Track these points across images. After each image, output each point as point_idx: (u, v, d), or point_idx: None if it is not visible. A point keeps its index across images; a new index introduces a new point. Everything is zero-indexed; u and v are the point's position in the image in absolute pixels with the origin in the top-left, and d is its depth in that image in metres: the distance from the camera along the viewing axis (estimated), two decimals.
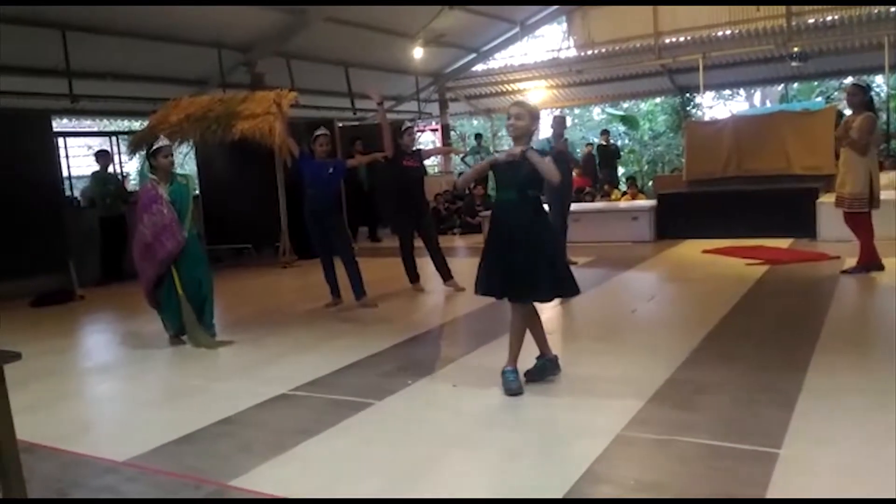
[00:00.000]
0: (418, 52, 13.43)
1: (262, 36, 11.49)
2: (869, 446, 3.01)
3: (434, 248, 7.18)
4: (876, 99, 15.70)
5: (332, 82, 13.46)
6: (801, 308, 5.72)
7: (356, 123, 13.49)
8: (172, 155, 5.63)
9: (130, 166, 13.11)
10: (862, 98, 6.45)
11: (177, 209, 5.38)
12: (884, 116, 14.32)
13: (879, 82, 15.51)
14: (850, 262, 6.77)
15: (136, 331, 6.26)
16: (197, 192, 6.01)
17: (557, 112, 13.90)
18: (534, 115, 3.98)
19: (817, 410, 3.43)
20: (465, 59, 15.70)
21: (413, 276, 7.26)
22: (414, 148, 7.37)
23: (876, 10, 12.12)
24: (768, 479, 2.76)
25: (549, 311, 4.16)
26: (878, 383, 3.76)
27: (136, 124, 12.40)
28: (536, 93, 16.25)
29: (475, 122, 20.30)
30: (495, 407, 3.79)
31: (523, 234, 3.89)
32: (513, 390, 3.90)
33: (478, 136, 16.62)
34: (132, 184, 12.64)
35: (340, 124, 7.51)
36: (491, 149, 17.53)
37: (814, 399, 3.56)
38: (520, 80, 16.01)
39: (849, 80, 16.27)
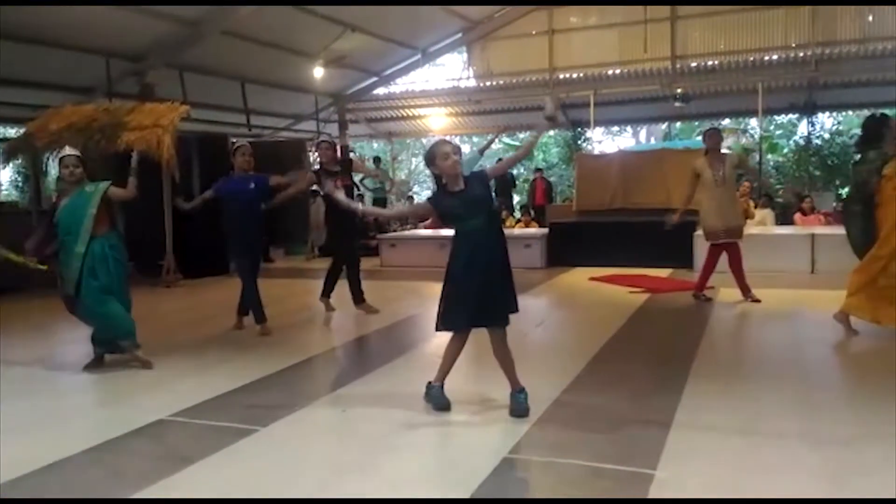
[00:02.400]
0: (319, 72, 13.34)
1: (154, 46, 11.07)
2: (737, 468, 3.19)
3: (354, 270, 7.07)
4: (750, 140, 17.03)
5: (227, 97, 13.13)
6: (678, 335, 6.04)
7: (251, 140, 13.20)
8: (77, 166, 5.08)
9: (3, 175, 12.23)
10: (721, 139, 7.13)
11: (63, 224, 5.04)
12: (756, 157, 15.48)
13: (754, 125, 16.74)
14: (727, 292, 7.20)
15: (9, 352, 5.81)
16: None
17: (454, 140, 14.15)
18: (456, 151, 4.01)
19: (691, 432, 3.61)
20: (367, 82, 15.73)
21: (328, 291, 7.11)
22: (335, 167, 7.21)
23: (752, 58, 13.11)
24: (644, 499, 2.87)
25: (441, 336, 4.17)
26: (746, 406, 4.01)
27: (13, 132, 11.61)
28: (436, 120, 16.49)
29: (375, 145, 20.32)
30: (384, 432, 3.75)
31: (497, 258, 3.93)
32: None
33: (376, 160, 16.63)
34: (3, 194, 11.79)
35: (234, 140, 7.32)
36: (390, 173, 17.67)
37: (688, 421, 3.75)
38: (420, 106, 16.20)
39: (726, 121, 17.58)
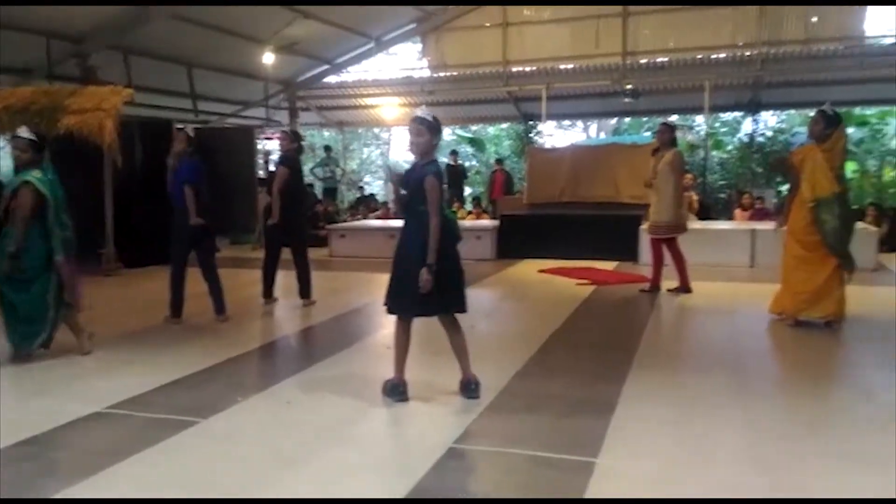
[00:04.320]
0: (269, 58, 13.10)
1: (97, 27, 10.71)
2: (676, 455, 3.26)
3: (302, 263, 6.92)
4: (696, 136, 17.39)
5: (173, 82, 12.79)
6: (622, 325, 6.15)
7: (198, 126, 12.90)
8: (24, 150, 4.82)
9: None
10: (670, 136, 7.21)
11: None
12: (702, 153, 15.83)
13: (700, 121, 17.07)
14: (670, 285, 7.35)
15: None
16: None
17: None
18: (434, 130, 3.87)
19: (632, 421, 3.67)
20: (318, 70, 15.52)
21: (268, 291, 6.92)
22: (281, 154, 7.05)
23: (699, 56, 13.37)
24: (585, 488, 2.91)
25: (389, 326, 4.16)
26: (685, 395, 4.11)
27: None
28: (389, 109, 16.38)
29: (326, 134, 20.11)
30: (329, 423, 3.72)
31: (454, 248, 3.98)
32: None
33: (327, 148, 16.45)
34: None
35: (180, 125, 7.13)
36: (340, 162, 17.50)
37: (629, 410, 3.82)
38: (373, 95, 16.06)
39: (674, 117, 17.91)
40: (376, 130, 22.80)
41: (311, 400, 4.09)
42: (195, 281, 6.17)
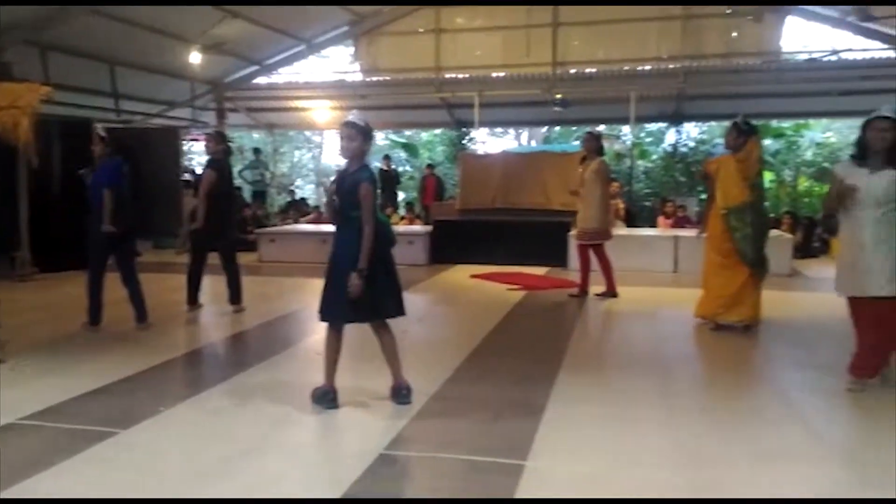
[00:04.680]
0: (196, 58, 12.76)
1: (13, 22, 10.19)
2: (603, 456, 3.33)
3: (232, 268, 6.75)
4: (623, 146, 17.87)
5: (94, 80, 12.29)
6: (552, 329, 6.25)
7: (120, 126, 12.45)
8: None
9: None
10: (596, 145, 7.36)
11: None
12: (628, 162, 16.27)
13: (626, 131, 17.54)
14: (597, 290, 7.51)
15: None
16: None
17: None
18: (365, 134, 3.84)
19: (560, 423, 3.74)
20: (248, 70, 15.20)
21: (193, 297, 6.71)
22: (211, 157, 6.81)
23: (626, 68, 13.74)
24: (514, 490, 2.94)
25: (319, 332, 4.10)
26: (612, 396, 4.21)
27: None
28: (321, 112, 16.20)
29: (255, 136, 19.73)
30: (256, 432, 3.64)
31: (389, 253, 3.96)
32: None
33: (256, 151, 16.14)
34: None
35: (100, 125, 6.85)
36: (270, 165, 17.19)
37: (558, 412, 3.88)
38: (304, 98, 15.85)
39: (602, 127, 18.35)
40: (308, 133, 22.52)
41: (237, 409, 4.00)
42: (116, 287, 5.95)
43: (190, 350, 5.56)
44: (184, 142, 12.55)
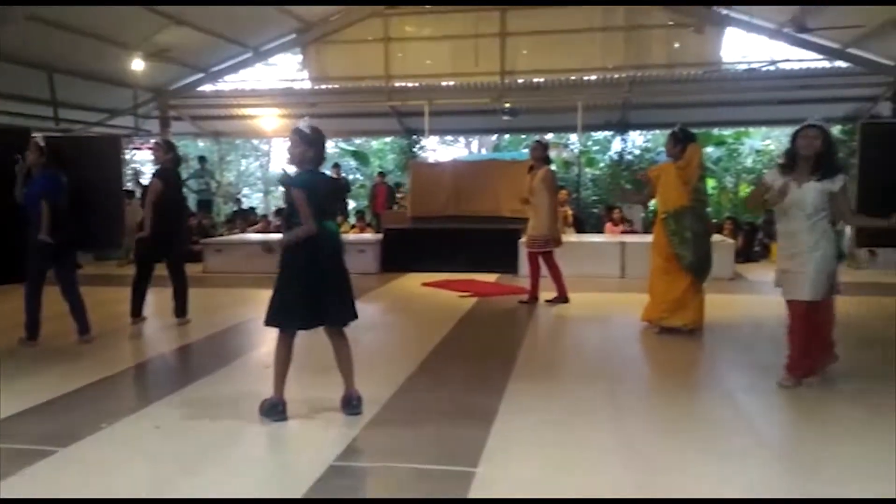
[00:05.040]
0: (138, 65, 12.46)
1: None
2: (553, 462, 3.36)
3: (179, 280, 6.60)
4: (571, 154, 18.14)
5: (31, 87, 11.89)
6: (502, 336, 6.28)
7: (59, 135, 12.07)
8: None
9: None
10: (542, 153, 7.48)
11: None
12: (576, 170, 16.52)
13: (574, 140, 17.80)
14: (548, 296, 7.58)
15: None
16: None
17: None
18: (308, 141, 3.85)
19: (511, 429, 3.75)
20: (192, 78, 14.92)
21: (138, 309, 6.53)
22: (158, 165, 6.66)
23: (572, 77, 13.95)
24: (465, 497, 2.94)
25: (267, 344, 4.04)
26: (562, 401, 4.25)
27: None
28: (269, 120, 16.01)
29: (201, 144, 19.38)
30: (202, 447, 3.56)
31: (339, 260, 3.94)
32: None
33: (202, 159, 15.85)
34: None
35: (38, 135, 6.61)
36: (216, 174, 16.89)
37: (508, 418, 3.90)
38: (251, 106, 15.63)
39: (550, 135, 18.58)
40: (255, 141, 22.22)
41: (182, 423, 3.90)
42: (56, 300, 5.75)
43: (134, 364, 5.41)
44: (126, 151, 12.21)
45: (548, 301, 7.48)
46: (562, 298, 7.49)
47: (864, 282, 8.71)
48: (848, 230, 9.87)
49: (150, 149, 7.31)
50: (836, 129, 13.90)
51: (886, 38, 10.69)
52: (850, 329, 6.13)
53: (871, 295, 7.76)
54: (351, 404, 3.95)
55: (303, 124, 3.89)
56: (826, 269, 4.32)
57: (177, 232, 6.80)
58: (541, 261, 7.49)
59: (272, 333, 3.96)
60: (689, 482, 3.11)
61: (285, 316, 3.86)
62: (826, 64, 12.72)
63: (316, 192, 3.83)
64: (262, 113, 15.77)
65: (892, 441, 3.52)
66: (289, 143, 3.93)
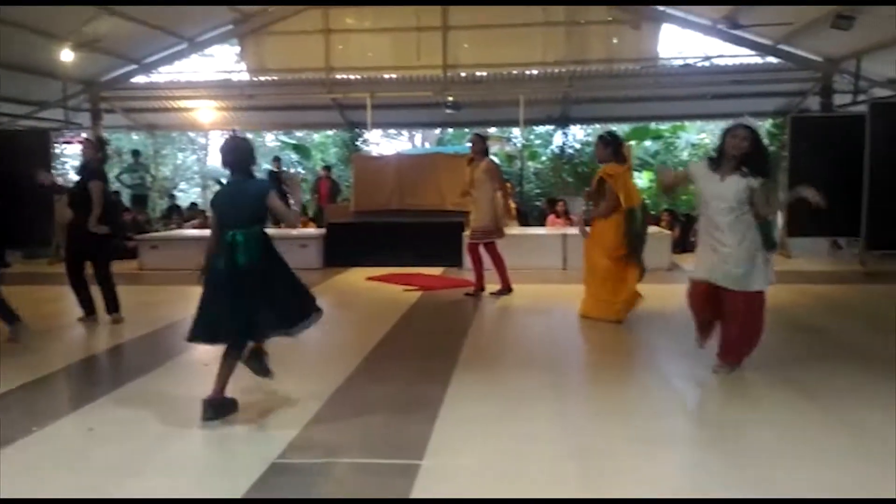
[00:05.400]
0: (68, 56, 11.97)
1: None
2: (498, 451, 3.38)
3: (102, 276, 6.37)
4: (514, 148, 18.27)
5: None
6: (447, 329, 6.28)
7: None
8: None
9: None
10: (482, 146, 7.57)
11: None
12: (519, 164, 16.65)
13: (516, 133, 17.94)
14: (491, 288, 7.62)
15: None
16: None
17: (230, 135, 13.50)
18: (222, 150, 3.95)
19: (455, 421, 3.76)
20: (125, 69, 14.42)
21: (89, 306, 6.36)
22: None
23: (514, 72, 14.04)
24: (409, 491, 2.93)
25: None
26: (507, 392, 4.28)
27: None
28: (206, 113, 15.63)
29: (135, 137, 18.80)
30: (137, 448, 3.45)
31: (256, 268, 3.77)
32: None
33: (135, 153, 15.38)
34: None
35: None
36: (151, 168, 16.41)
37: (453, 410, 3.91)
38: (187, 98, 15.22)
39: (493, 129, 18.68)
40: (192, 135, 21.66)
41: (116, 425, 3.78)
42: None
43: (65, 365, 5.18)
44: (56, 145, 11.73)
45: (492, 293, 7.53)
46: (506, 290, 7.54)
47: (793, 270, 9.04)
48: (780, 220, 10.24)
49: (80, 143, 7.03)
50: (767, 123, 14.42)
51: (815, 34, 11.09)
52: (779, 316, 6.36)
53: (798, 283, 8.05)
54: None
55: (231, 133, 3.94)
56: (762, 257, 4.45)
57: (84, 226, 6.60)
58: (483, 252, 7.53)
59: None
60: (626, 468, 3.17)
61: (203, 331, 3.78)
62: (758, 60, 13.12)
63: (216, 204, 3.89)
64: (198, 105, 15.39)
65: (819, 423, 3.67)
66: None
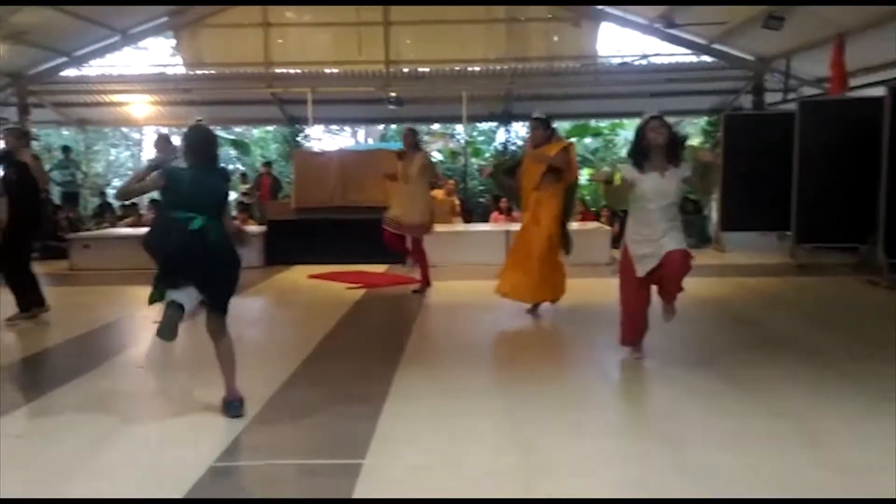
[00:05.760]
0: None
1: None
2: (441, 446, 3.38)
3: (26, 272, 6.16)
4: (457, 144, 18.31)
5: None
6: (390, 326, 6.26)
7: None
8: None
9: None
10: (414, 140, 7.63)
11: None
12: (462, 160, 16.69)
13: (460, 130, 17.98)
14: (434, 285, 7.62)
15: None
16: None
17: (164, 130, 13.12)
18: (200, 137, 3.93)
19: (398, 419, 3.74)
20: (54, 62, 13.87)
21: (33, 300, 6.14)
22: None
23: (457, 68, 14.06)
24: (352, 490, 2.90)
25: (141, 345, 3.81)
26: (449, 388, 4.28)
27: None
28: (139, 108, 15.17)
29: (65, 133, 18.10)
30: (70, 453, 3.32)
31: (208, 254, 3.73)
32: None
33: (66, 149, 14.82)
34: None
35: None
36: (82, 164, 15.84)
37: (396, 408, 3.89)
38: (120, 92, 14.72)
39: (436, 126, 18.68)
40: (126, 130, 20.98)
41: (47, 431, 3.63)
42: None
43: None
44: None
45: (414, 291, 7.54)
46: (425, 285, 7.61)
47: (728, 264, 9.33)
48: (714, 216, 10.54)
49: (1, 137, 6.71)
50: (702, 121, 14.81)
51: (747, 34, 11.44)
52: (715, 308, 6.56)
53: (734, 277, 8.31)
54: (233, 405, 3.79)
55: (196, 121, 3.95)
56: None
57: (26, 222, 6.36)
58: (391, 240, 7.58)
59: (145, 333, 3.75)
60: (564, 460, 3.21)
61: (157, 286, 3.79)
62: (693, 58, 13.47)
63: (178, 182, 3.79)
64: (131, 100, 14.93)
65: (749, 412, 3.78)
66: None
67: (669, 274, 4.55)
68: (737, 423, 3.64)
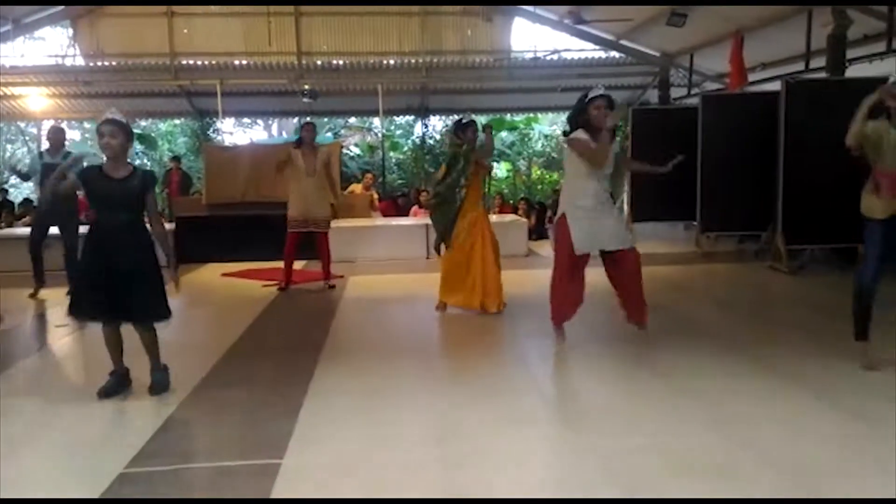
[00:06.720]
0: None
1: None
2: (362, 442, 3.34)
3: None
4: (374, 138, 18.16)
5: None
6: (309, 324, 6.14)
7: None
8: None
9: None
10: (314, 135, 7.61)
11: None
12: (380, 154, 16.58)
13: (377, 123, 17.84)
14: (357, 280, 7.52)
15: None
16: None
17: (61, 124, 12.40)
18: (128, 132, 3.89)
19: (318, 417, 3.68)
20: None
21: None
22: None
23: (372, 61, 13.93)
24: (270, 490, 2.82)
25: (34, 354, 3.59)
26: (372, 384, 4.24)
27: None
28: (36, 100, 14.34)
29: None
30: None
31: (131, 255, 3.87)
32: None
33: None
34: None
35: None
36: None
37: (316, 406, 3.82)
38: (13, 85, 13.86)
39: (352, 119, 18.47)
40: (21, 124, 19.79)
41: None
42: None
43: None
44: None
45: (331, 286, 7.53)
46: (329, 281, 7.61)
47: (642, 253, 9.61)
48: (626, 208, 10.87)
49: None
50: None
51: (652, 31, 11.85)
52: None
53: (645, 266, 8.57)
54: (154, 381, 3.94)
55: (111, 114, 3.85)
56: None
57: None
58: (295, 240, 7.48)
59: (38, 341, 3.56)
60: (487, 449, 3.24)
61: (74, 305, 3.87)
62: (602, 54, 13.84)
63: (93, 181, 3.83)
64: (27, 92, 14.09)
65: (669, 399, 3.91)
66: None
67: (630, 270, 4.75)
68: (651, 405, 3.76)
